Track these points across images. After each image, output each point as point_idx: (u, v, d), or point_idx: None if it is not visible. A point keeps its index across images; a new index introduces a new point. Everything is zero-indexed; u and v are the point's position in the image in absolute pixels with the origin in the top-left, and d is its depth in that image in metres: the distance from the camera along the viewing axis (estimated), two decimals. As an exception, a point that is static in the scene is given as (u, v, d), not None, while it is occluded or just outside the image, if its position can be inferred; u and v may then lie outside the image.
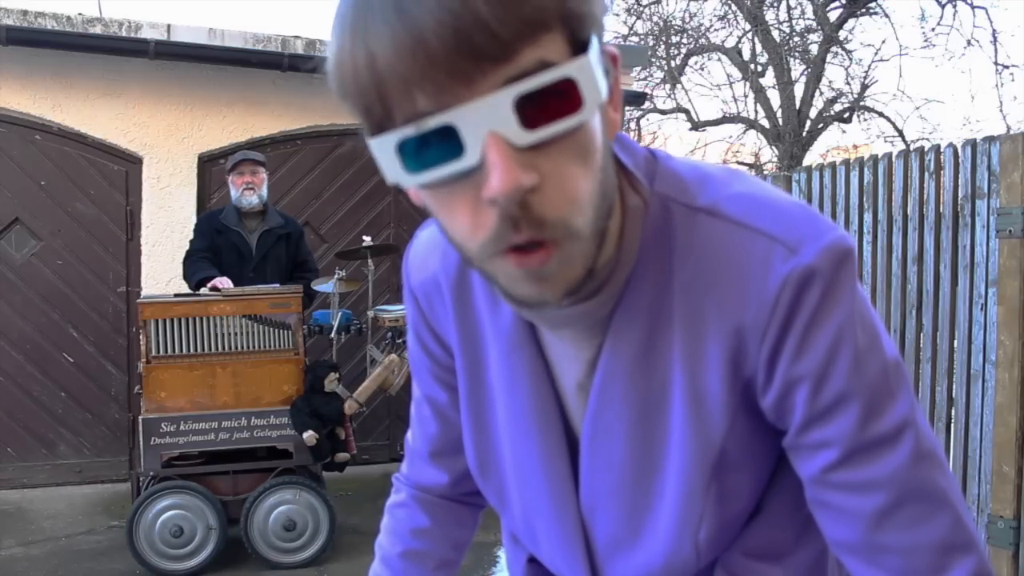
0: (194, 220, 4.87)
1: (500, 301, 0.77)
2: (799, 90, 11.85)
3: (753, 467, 0.74)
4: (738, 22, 12.26)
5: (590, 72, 0.54)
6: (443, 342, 0.87)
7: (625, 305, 0.71)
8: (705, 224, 0.68)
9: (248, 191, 4.18)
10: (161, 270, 5.20)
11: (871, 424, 0.65)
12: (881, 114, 12.09)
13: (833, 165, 4.07)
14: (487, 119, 0.52)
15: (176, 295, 4.02)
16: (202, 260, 4.10)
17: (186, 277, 4.16)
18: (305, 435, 3.71)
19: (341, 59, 0.56)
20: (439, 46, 0.51)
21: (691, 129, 12.80)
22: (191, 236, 4.33)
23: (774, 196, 0.69)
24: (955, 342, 3.31)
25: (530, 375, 0.78)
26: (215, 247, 4.17)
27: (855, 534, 0.67)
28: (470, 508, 1.01)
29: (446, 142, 0.54)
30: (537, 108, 0.53)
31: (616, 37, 12.07)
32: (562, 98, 0.54)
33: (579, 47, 0.55)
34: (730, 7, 12.09)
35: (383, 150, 0.56)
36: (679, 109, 12.75)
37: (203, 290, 3.93)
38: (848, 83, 12.11)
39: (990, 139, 3.17)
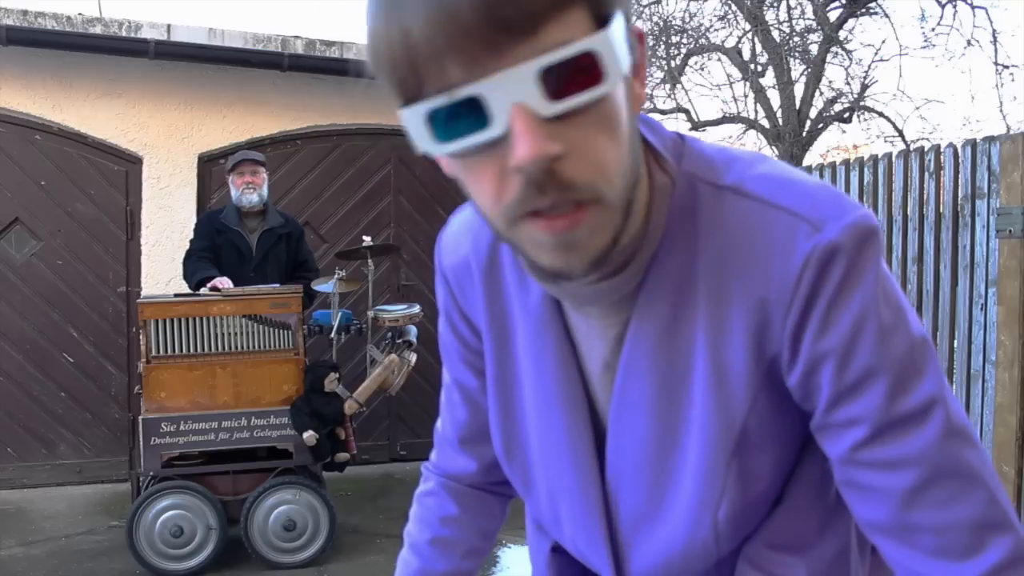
0: (194, 220, 4.87)
1: (529, 281, 0.79)
2: (799, 90, 11.84)
3: (775, 450, 0.74)
4: (738, 22, 12.26)
5: (610, 46, 0.55)
6: (473, 325, 0.89)
7: (651, 281, 0.72)
8: (731, 202, 0.69)
9: (249, 191, 4.18)
10: (161, 270, 5.20)
11: (899, 400, 0.65)
12: (881, 114, 12.08)
13: (833, 165, 4.07)
14: (513, 91, 0.54)
15: (176, 295, 4.02)
16: (202, 260, 4.10)
17: (186, 277, 4.15)
18: (305, 435, 3.71)
19: (376, 39, 0.58)
20: (472, 18, 0.53)
21: (691, 129, 12.79)
22: (191, 236, 4.33)
23: (799, 176, 0.70)
24: (955, 342, 3.31)
25: (556, 353, 0.79)
26: (215, 247, 4.17)
27: (886, 514, 0.67)
28: (498, 498, 1.02)
29: (473, 113, 0.56)
30: (561, 81, 0.55)
31: (616, 37, 12.03)
32: (585, 71, 0.55)
33: (603, 23, 0.57)
34: (730, 7, 12.08)
35: (414, 120, 0.58)
36: (679, 109, 12.75)
37: (203, 290, 3.93)
38: (848, 83, 12.10)
39: (990, 139, 3.17)
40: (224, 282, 3.90)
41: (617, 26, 0.57)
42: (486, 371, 0.86)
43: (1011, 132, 3.58)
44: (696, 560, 0.79)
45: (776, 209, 0.67)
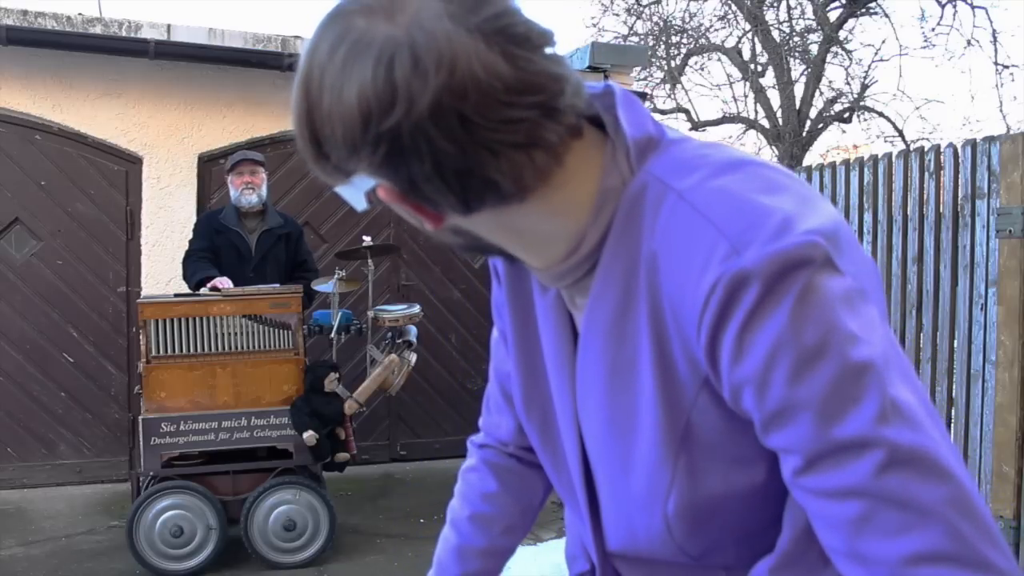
0: (194, 220, 4.87)
1: None
2: (799, 90, 11.85)
3: (725, 453, 0.74)
4: (738, 22, 12.27)
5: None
6: None
7: (603, 270, 0.74)
8: (670, 204, 0.70)
9: (248, 191, 4.18)
10: (161, 270, 5.20)
11: (829, 431, 0.63)
12: (881, 114, 12.09)
13: (833, 165, 4.07)
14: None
15: (176, 295, 4.01)
16: (202, 260, 4.10)
17: (185, 277, 4.15)
18: (305, 435, 3.71)
19: None
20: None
21: (691, 129, 12.79)
22: (191, 236, 4.33)
23: (757, 195, 0.67)
24: (955, 342, 3.31)
25: (556, 327, 0.84)
26: (215, 247, 4.17)
27: (839, 541, 0.66)
28: (538, 473, 1.03)
29: None
30: None
31: (616, 37, 12.07)
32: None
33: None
34: (730, 7, 12.09)
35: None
36: (679, 109, 12.75)
37: (203, 290, 3.93)
38: (848, 83, 12.12)
39: (990, 139, 3.17)
40: (224, 282, 3.90)
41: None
42: (509, 329, 0.90)
43: (1011, 132, 3.58)
44: (657, 547, 0.80)
45: (706, 222, 0.66)
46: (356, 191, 0.69)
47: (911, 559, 0.62)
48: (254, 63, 5.19)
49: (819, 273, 0.63)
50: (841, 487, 0.64)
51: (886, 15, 11.65)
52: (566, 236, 0.74)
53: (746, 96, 12.50)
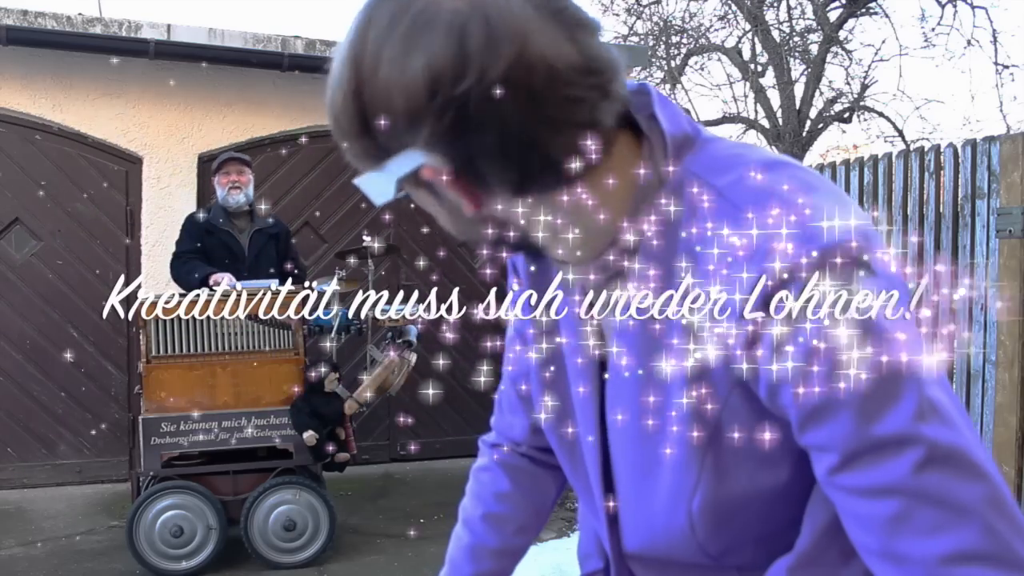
0: (194, 220, 4.87)
1: None
2: (799, 90, 11.84)
3: (753, 453, 0.74)
4: (738, 22, 12.26)
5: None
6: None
7: (640, 265, 0.75)
8: (711, 202, 0.70)
9: (234, 190, 4.19)
10: (161, 270, 5.18)
11: (867, 428, 0.63)
12: (881, 114, 12.07)
13: (833, 165, 4.07)
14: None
15: (176, 295, 4.01)
16: (193, 260, 4.10)
17: (178, 278, 4.13)
18: (305, 435, 3.71)
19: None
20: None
21: (691, 129, 12.77)
22: (177, 238, 4.30)
23: (795, 194, 0.68)
24: (955, 342, 3.31)
25: (581, 326, 0.83)
26: (205, 248, 4.16)
27: (873, 540, 0.65)
28: (551, 473, 1.03)
29: None
30: None
31: (616, 37, 12.07)
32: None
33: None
34: (730, 7, 12.08)
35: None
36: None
37: (205, 289, 3.93)
38: (848, 83, 12.10)
39: (990, 139, 3.17)
40: (225, 277, 3.90)
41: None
42: (524, 324, 0.91)
43: (1011, 132, 3.58)
44: (677, 547, 0.80)
45: (748, 220, 0.67)
46: (385, 178, 0.67)
47: (948, 558, 0.62)
48: (254, 63, 5.19)
49: (859, 271, 0.64)
50: (879, 485, 0.63)
51: (886, 15, 11.68)
52: (605, 230, 0.74)
53: (746, 96, 12.50)
